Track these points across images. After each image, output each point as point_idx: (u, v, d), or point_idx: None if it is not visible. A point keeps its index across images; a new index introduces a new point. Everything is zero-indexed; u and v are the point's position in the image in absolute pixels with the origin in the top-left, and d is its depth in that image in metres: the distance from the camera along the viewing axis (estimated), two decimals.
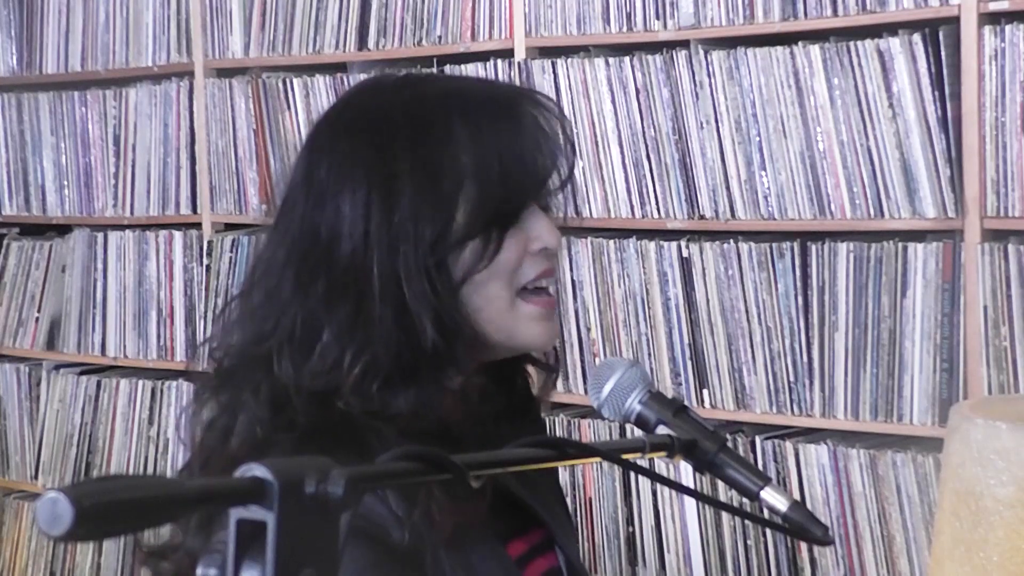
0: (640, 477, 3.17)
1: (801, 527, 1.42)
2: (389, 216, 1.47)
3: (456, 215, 1.47)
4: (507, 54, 3.32)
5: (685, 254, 3.09)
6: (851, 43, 2.86)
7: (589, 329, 3.22)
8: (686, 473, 2.83)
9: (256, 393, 1.47)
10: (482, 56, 3.35)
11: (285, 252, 1.51)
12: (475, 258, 1.48)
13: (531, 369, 1.68)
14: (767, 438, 3.02)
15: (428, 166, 1.48)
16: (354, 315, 1.46)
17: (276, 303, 1.49)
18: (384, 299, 1.46)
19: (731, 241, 3.04)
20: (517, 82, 3.25)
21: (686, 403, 1.48)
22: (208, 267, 3.83)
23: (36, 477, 4.21)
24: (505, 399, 1.61)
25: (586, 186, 3.19)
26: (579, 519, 3.25)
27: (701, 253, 3.07)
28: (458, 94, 1.54)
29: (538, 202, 1.55)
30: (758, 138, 2.98)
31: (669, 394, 1.70)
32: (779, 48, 2.95)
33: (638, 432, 1.46)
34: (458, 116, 1.50)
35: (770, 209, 2.99)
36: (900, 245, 2.86)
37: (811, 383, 2.95)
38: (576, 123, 3.17)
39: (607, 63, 3.16)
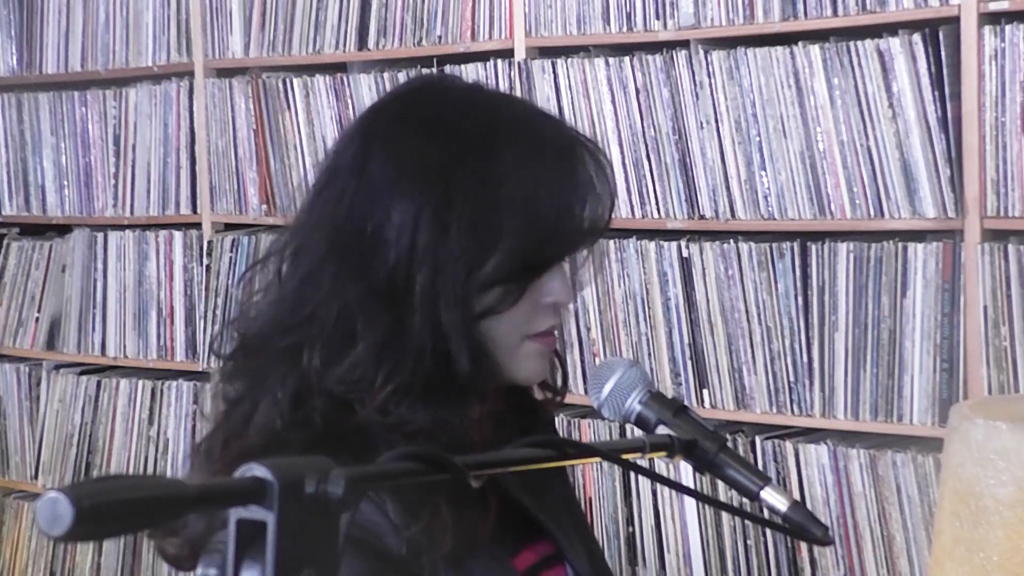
0: (640, 477, 3.17)
1: (801, 527, 1.42)
2: (438, 237, 1.45)
3: (495, 254, 1.46)
4: (507, 54, 3.31)
5: (685, 254, 3.09)
6: (851, 43, 2.86)
7: (589, 329, 3.22)
8: (686, 473, 2.83)
9: (282, 384, 1.46)
10: (482, 56, 3.35)
11: (326, 239, 1.48)
12: (496, 300, 1.47)
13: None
14: (767, 438, 3.01)
15: (486, 198, 1.46)
16: (391, 330, 1.45)
17: (312, 292, 1.47)
18: (423, 320, 1.44)
19: (731, 241, 3.04)
20: (517, 83, 3.26)
21: (686, 403, 1.48)
22: (208, 267, 3.82)
23: (36, 477, 4.20)
24: (519, 423, 1.59)
25: None
26: None
27: (701, 253, 3.07)
28: (531, 130, 1.50)
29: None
30: (758, 138, 2.98)
31: (669, 394, 1.70)
32: (779, 48, 2.94)
33: (638, 432, 1.46)
34: (526, 154, 1.48)
35: (770, 209, 2.99)
36: (900, 245, 2.85)
37: (811, 383, 2.95)
38: (576, 123, 3.16)
39: (607, 63, 3.16)
